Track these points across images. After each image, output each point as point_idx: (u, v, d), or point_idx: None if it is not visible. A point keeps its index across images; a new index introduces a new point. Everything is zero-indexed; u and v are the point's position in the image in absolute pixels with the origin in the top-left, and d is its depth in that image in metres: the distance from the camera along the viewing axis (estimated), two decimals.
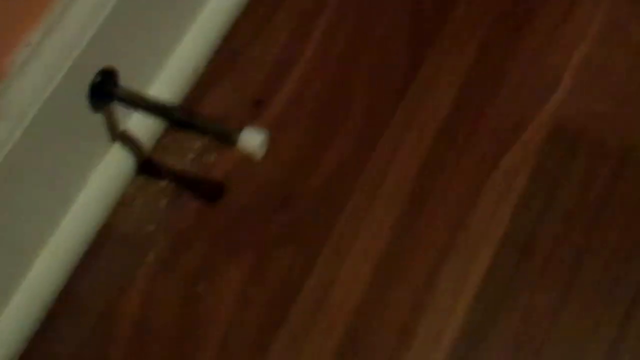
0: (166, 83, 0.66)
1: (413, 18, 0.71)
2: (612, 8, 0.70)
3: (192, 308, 0.62)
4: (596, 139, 0.66)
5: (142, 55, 0.62)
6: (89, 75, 0.57)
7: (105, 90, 0.58)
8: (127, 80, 0.61)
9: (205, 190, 0.66)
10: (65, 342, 0.61)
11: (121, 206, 0.65)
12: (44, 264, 0.59)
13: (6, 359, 0.58)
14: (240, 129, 0.58)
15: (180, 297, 0.62)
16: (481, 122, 0.66)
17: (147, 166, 0.66)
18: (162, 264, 0.63)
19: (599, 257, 0.62)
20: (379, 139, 0.66)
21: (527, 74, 0.68)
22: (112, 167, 0.63)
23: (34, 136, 0.53)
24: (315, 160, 0.66)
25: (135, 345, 0.61)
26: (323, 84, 0.69)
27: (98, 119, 0.60)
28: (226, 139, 0.57)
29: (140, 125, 0.65)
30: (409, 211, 0.64)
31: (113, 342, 0.61)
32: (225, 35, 0.70)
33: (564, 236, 0.63)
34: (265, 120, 0.67)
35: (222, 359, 0.60)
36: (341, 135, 0.67)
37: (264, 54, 0.70)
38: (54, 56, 0.53)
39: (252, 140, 0.56)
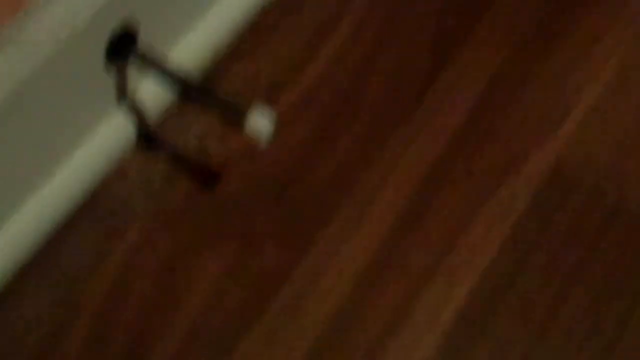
0: (182, 56, 0.64)
1: (436, 31, 0.70)
2: (628, 55, 0.69)
3: (165, 291, 0.60)
4: (593, 183, 0.65)
5: (166, 21, 0.61)
6: (110, 26, 0.55)
7: (123, 46, 0.57)
8: (145, 43, 0.59)
9: (201, 175, 0.64)
10: (32, 303, 0.59)
11: (113, 175, 0.63)
12: (27, 217, 0.57)
13: None
14: (248, 108, 0.57)
15: (154, 278, 0.60)
16: (482, 151, 0.66)
17: (147, 139, 0.65)
18: (143, 241, 0.61)
19: (578, 304, 0.61)
20: (384, 148, 0.65)
21: (536, 106, 0.68)
22: (112, 132, 0.61)
23: (42, 76, 0.51)
24: (316, 160, 0.65)
25: (102, 318, 0.59)
26: (336, 85, 0.68)
27: (108, 78, 0.59)
28: (235, 116, 0.56)
29: (149, 96, 0.63)
30: (401, 224, 0.62)
31: (80, 311, 0.59)
32: (248, 20, 0.68)
33: (547, 276, 0.62)
34: (275, 112, 0.65)
35: (189, 348, 0.58)
36: (346, 139, 0.66)
37: (284, 45, 0.69)
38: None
39: (261, 120, 0.55)
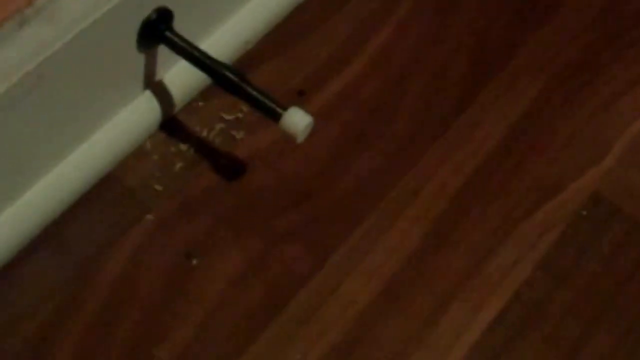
0: (215, 46, 0.61)
1: (475, 50, 0.67)
2: None
3: (181, 280, 0.57)
4: (632, 216, 0.62)
5: (203, 9, 0.58)
6: (146, 9, 0.52)
7: (156, 30, 0.54)
8: (178, 29, 0.57)
9: (225, 165, 0.61)
10: (39, 279, 0.56)
11: (134, 157, 0.60)
12: (43, 190, 0.54)
13: None
14: (287, 107, 0.54)
15: (170, 266, 0.57)
16: (521, 171, 0.63)
17: (172, 124, 0.62)
18: (161, 227, 0.58)
19: (609, 336, 0.58)
20: (417, 161, 0.62)
21: (577, 136, 0.65)
22: (137, 114, 0.59)
23: (73, 52, 0.49)
24: (346, 165, 0.62)
25: (113, 301, 0.55)
26: (372, 91, 0.65)
27: (139, 59, 0.56)
28: (270, 112, 0.53)
29: (177, 80, 0.60)
30: (429, 241, 0.59)
31: (91, 291, 0.55)
32: (287, 16, 0.66)
33: (577, 307, 0.59)
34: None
35: (200, 340, 0.55)
36: (379, 146, 0.63)
37: (319, 46, 0.66)
38: None
39: (297, 120, 0.52)
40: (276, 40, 0.66)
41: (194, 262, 0.57)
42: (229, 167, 0.61)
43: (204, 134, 0.62)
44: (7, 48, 0.45)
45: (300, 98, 0.65)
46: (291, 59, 0.66)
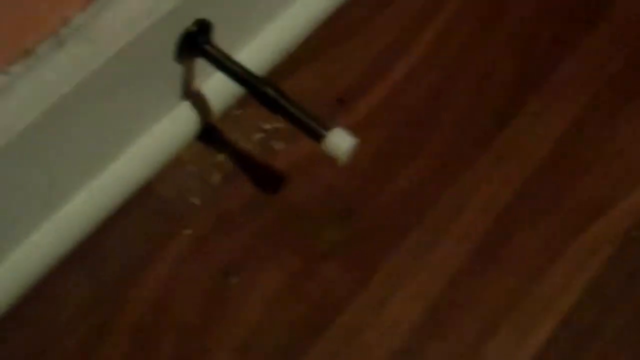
0: (254, 53, 0.59)
1: (521, 58, 0.64)
2: None
3: (218, 299, 0.55)
4: None
5: (242, 17, 0.56)
6: (185, 22, 0.50)
7: (195, 43, 0.52)
8: (217, 40, 0.54)
9: (263, 177, 0.59)
10: (75, 294, 0.54)
11: (171, 169, 0.59)
12: (79, 203, 0.53)
13: (17, 287, 0.52)
14: (330, 127, 0.51)
15: (208, 283, 0.55)
16: (569, 188, 0.60)
17: (209, 134, 0.60)
18: (198, 242, 0.57)
19: None
20: (461, 175, 0.60)
21: (626, 151, 0.62)
22: (175, 124, 0.57)
23: (112, 69, 0.47)
24: (388, 178, 0.60)
25: (149, 319, 0.54)
26: (413, 100, 0.62)
27: (177, 70, 0.54)
28: (312, 133, 0.50)
29: (215, 89, 0.58)
30: (475, 260, 0.57)
31: (129, 308, 0.54)
32: (326, 22, 0.63)
33: (627, 331, 0.56)
34: (344, 123, 0.60)
35: None
36: (422, 158, 0.60)
37: (361, 50, 0.64)
38: None
39: (340, 143, 0.50)
40: (315, 45, 0.64)
41: (233, 280, 0.56)
42: (267, 179, 0.59)
43: (243, 144, 0.60)
44: (45, 69, 0.43)
45: (339, 106, 0.62)
46: (331, 65, 0.63)
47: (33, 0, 0.41)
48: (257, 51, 0.59)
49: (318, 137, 0.50)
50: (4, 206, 0.49)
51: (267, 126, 0.61)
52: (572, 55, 0.65)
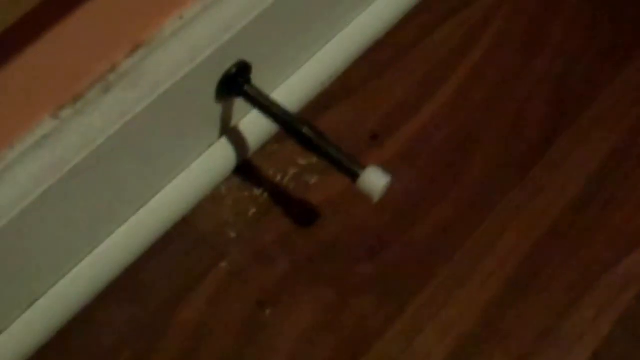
0: (291, 88, 0.60)
1: (554, 94, 0.65)
2: None
3: (254, 330, 0.56)
4: None
5: (280, 57, 0.57)
6: (226, 64, 0.51)
7: (235, 84, 0.53)
8: (255, 79, 0.55)
9: (298, 211, 0.60)
10: (116, 325, 0.55)
11: (209, 203, 0.60)
12: (122, 236, 0.54)
13: (61, 317, 0.53)
14: (364, 166, 0.52)
15: (244, 315, 0.56)
16: (601, 223, 0.60)
17: (246, 168, 0.61)
18: (235, 274, 0.58)
19: None
20: (494, 209, 0.60)
21: None
22: (213, 160, 0.58)
23: (155, 112, 0.48)
24: (420, 213, 0.60)
25: (187, 349, 0.55)
26: (446, 136, 0.63)
27: (217, 109, 0.55)
28: (347, 171, 0.51)
29: (253, 126, 0.59)
30: (505, 295, 0.57)
31: (167, 339, 0.55)
32: (361, 55, 0.64)
33: None
34: (377, 158, 0.62)
35: None
36: (454, 194, 0.61)
37: (394, 88, 0.64)
38: (202, 36, 0.47)
39: (375, 181, 0.50)
40: (351, 79, 0.65)
41: (267, 312, 0.57)
42: (302, 213, 0.60)
43: (278, 178, 0.61)
44: (91, 114, 0.45)
45: (373, 142, 0.63)
46: (364, 101, 0.64)
47: (84, 47, 0.43)
48: (293, 88, 0.60)
49: (353, 176, 0.51)
50: (51, 241, 0.50)
51: (302, 161, 0.62)
52: (605, 92, 0.66)
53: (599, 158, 0.63)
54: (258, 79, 0.56)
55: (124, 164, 0.50)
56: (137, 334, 0.56)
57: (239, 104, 0.57)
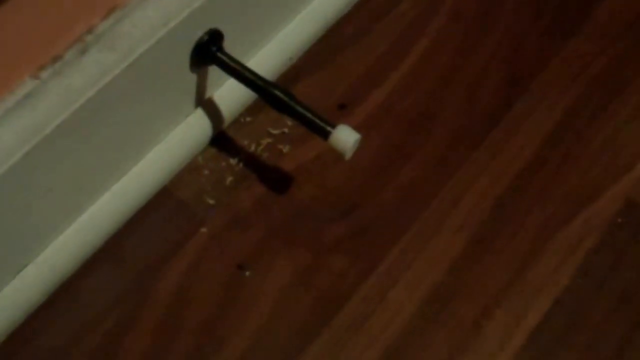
0: (261, 63, 0.59)
1: (509, 61, 0.65)
2: None
3: (235, 291, 0.55)
4: None
5: (250, 29, 0.56)
6: (199, 31, 0.51)
7: (208, 51, 0.52)
8: (228, 48, 0.55)
9: (273, 178, 0.59)
10: (101, 291, 0.54)
11: (187, 173, 0.59)
12: (103, 205, 0.53)
13: (45, 285, 0.52)
14: (335, 124, 0.52)
15: (224, 277, 0.55)
16: (557, 180, 0.60)
17: (221, 139, 0.60)
18: (214, 239, 0.57)
19: None
20: (456, 171, 0.60)
21: (609, 144, 0.62)
22: (190, 131, 0.57)
23: (132, 75, 0.47)
24: (388, 176, 0.60)
25: (171, 312, 0.54)
26: (410, 102, 0.63)
27: (191, 79, 0.54)
28: (319, 129, 0.51)
29: (227, 97, 0.59)
30: (470, 250, 0.57)
31: (150, 302, 0.54)
32: (327, 31, 0.64)
33: (617, 312, 0.56)
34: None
35: (254, 350, 0.53)
36: (419, 157, 0.60)
37: (360, 59, 0.64)
38: (175, 1, 0.47)
39: (346, 138, 0.50)
40: (317, 54, 0.64)
41: (247, 273, 0.56)
42: (276, 180, 0.60)
43: (252, 148, 0.60)
44: (70, 75, 0.44)
45: (341, 111, 0.63)
46: (332, 73, 0.64)
47: (61, 10, 0.42)
48: (263, 61, 0.60)
49: (325, 134, 0.51)
50: (35, 208, 0.49)
51: (275, 131, 0.61)
52: (556, 59, 0.66)
53: (553, 120, 0.63)
54: (229, 49, 0.55)
55: (104, 130, 0.49)
56: (121, 300, 0.54)
57: (213, 74, 0.56)
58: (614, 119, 0.63)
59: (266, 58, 0.61)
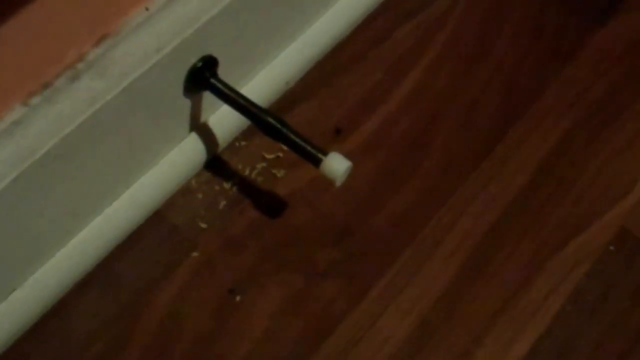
0: (257, 88, 0.59)
1: (504, 89, 0.64)
2: None
3: (225, 316, 0.54)
4: None
5: (245, 55, 0.56)
6: (192, 57, 0.50)
7: (202, 77, 0.52)
8: (222, 75, 0.54)
9: (267, 203, 0.59)
10: (91, 315, 0.54)
11: (180, 196, 0.58)
12: (95, 228, 0.52)
13: (37, 307, 0.52)
14: (326, 152, 0.51)
15: (215, 302, 0.55)
16: (551, 207, 0.60)
17: (216, 163, 0.60)
18: (206, 264, 0.56)
19: None
20: (450, 197, 0.59)
21: (603, 172, 0.61)
22: (184, 155, 0.56)
23: (124, 102, 0.46)
24: (382, 201, 0.59)
25: (161, 336, 0.53)
26: (406, 128, 0.62)
27: (185, 104, 0.54)
28: (311, 157, 0.50)
29: (221, 121, 0.58)
30: (462, 277, 0.56)
31: (141, 326, 0.53)
32: (324, 56, 0.63)
33: (607, 341, 0.55)
34: (341, 150, 0.60)
35: None
36: (413, 182, 0.60)
37: (356, 84, 0.64)
38: (168, 28, 0.46)
39: (337, 166, 0.49)
40: (314, 79, 0.64)
41: (238, 298, 0.55)
42: (270, 204, 0.59)
43: (247, 172, 0.60)
44: (61, 102, 0.43)
45: (337, 136, 0.62)
46: (328, 98, 0.63)
47: (51, 38, 0.41)
48: (259, 87, 0.59)
49: (316, 161, 0.50)
50: (26, 231, 0.48)
51: (270, 155, 0.61)
52: (552, 85, 0.65)
53: (548, 146, 0.62)
54: (224, 75, 0.55)
55: (95, 154, 0.48)
56: (112, 323, 0.54)
57: (208, 99, 0.56)
58: (609, 146, 0.63)
59: (263, 82, 0.60)
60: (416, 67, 0.65)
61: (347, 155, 0.58)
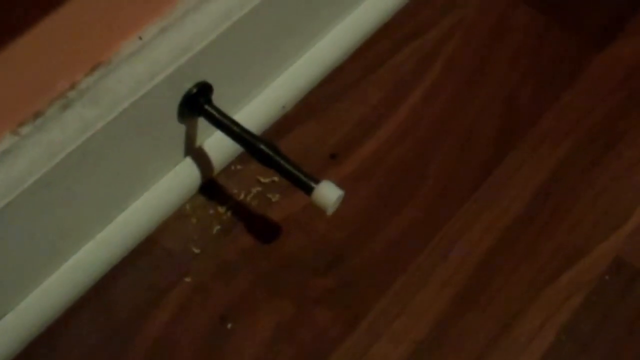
0: (252, 113, 0.59)
1: (502, 114, 0.64)
2: None
3: (217, 343, 0.54)
4: None
5: (240, 80, 0.56)
6: (186, 84, 0.50)
7: (196, 104, 0.52)
8: (218, 100, 0.54)
9: (261, 228, 0.58)
10: (82, 340, 0.53)
11: (173, 221, 0.58)
12: (88, 253, 0.52)
13: (28, 332, 0.51)
14: (318, 180, 0.51)
15: (207, 329, 0.54)
16: (546, 235, 0.59)
17: (210, 187, 0.60)
18: (199, 289, 0.56)
19: None
20: (445, 224, 0.59)
21: (599, 200, 0.61)
22: (178, 180, 0.56)
23: (117, 129, 0.46)
24: (377, 228, 0.59)
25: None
26: (401, 154, 0.62)
27: (180, 129, 0.54)
28: (303, 185, 0.50)
29: (216, 146, 0.58)
30: (457, 305, 0.56)
31: (131, 353, 0.53)
32: (320, 81, 0.63)
33: None
34: (336, 176, 0.61)
35: None
36: (408, 209, 0.59)
37: (352, 110, 0.63)
38: (161, 57, 0.46)
39: (328, 194, 0.49)
40: (310, 104, 0.64)
41: (229, 326, 0.55)
42: (264, 229, 0.59)
43: (242, 196, 0.60)
44: (52, 130, 0.43)
45: (332, 161, 0.62)
46: (324, 123, 0.63)
47: (44, 65, 0.41)
48: (255, 111, 0.59)
49: (308, 189, 0.50)
50: (17, 256, 0.48)
51: (265, 180, 0.60)
52: (551, 110, 0.65)
53: (544, 173, 0.62)
54: (219, 100, 0.55)
55: (87, 181, 0.48)
56: (104, 348, 0.53)
57: (203, 124, 0.56)
58: (606, 174, 0.62)
59: (259, 106, 0.60)
60: (413, 93, 0.65)
61: (342, 180, 0.58)
